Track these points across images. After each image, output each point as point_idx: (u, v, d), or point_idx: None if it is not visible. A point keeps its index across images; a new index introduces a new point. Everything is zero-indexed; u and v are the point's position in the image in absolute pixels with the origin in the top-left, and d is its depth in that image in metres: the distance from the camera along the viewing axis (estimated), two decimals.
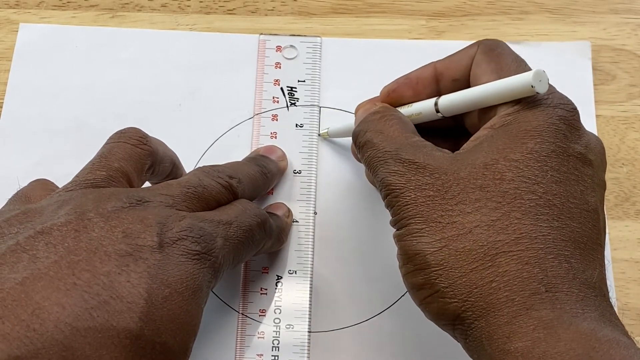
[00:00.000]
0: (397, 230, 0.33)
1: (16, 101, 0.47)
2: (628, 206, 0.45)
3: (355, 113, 0.42)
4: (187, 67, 0.48)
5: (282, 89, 0.47)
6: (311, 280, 0.43)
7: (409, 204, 0.33)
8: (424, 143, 0.35)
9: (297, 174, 0.45)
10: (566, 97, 0.34)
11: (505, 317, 0.29)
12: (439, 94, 0.38)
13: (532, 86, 0.32)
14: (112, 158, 0.34)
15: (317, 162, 0.46)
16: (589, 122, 0.47)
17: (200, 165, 0.44)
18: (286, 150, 0.45)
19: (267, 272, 0.43)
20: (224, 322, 0.42)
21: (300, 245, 0.44)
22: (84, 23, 0.50)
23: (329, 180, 0.46)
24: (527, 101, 0.33)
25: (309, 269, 0.43)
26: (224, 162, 0.40)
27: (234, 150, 0.46)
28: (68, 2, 0.51)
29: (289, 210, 0.44)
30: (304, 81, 0.48)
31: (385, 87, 0.40)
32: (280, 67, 0.48)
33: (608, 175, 0.46)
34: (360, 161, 0.41)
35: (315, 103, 0.47)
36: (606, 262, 0.43)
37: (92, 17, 0.50)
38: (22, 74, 0.48)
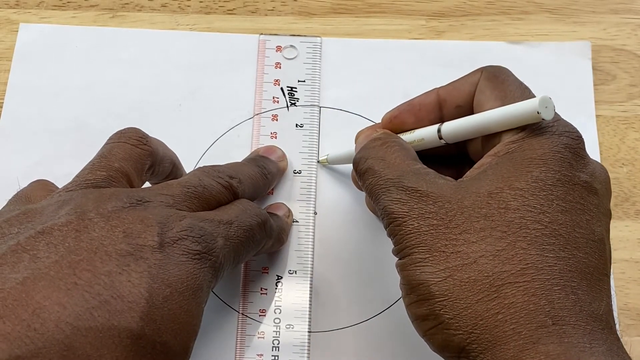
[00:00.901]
0: (400, 259, 0.33)
1: (16, 101, 0.47)
2: (628, 206, 0.45)
3: (356, 140, 0.41)
4: (187, 67, 0.48)
5: (282, 89, 0.47)
6: (311, 280, 0.43)
7: (412, 233, 0.32)
8: (426, 170, 0.34)
9: (297, 174, 0.45)
10: (571, 125, 0.33)
11: (512, 351, 0.29)
12: (441, 120, 0.37)
13: (538, 112, 0.31)
14: (112, 158, 0.34)
15: (317, 162, 0.46)
16: (589, 122, 0.47)
17: (200, 165, 0.44)
18: (286, 150, 0.45)
19: (267, 272, 0.43)
20: (224, 322, 0.42)
21: (300, 245, 0.44)
22: (84, 23, 0.50)
23: (329, 180, 0.46)
24: (532, 129, 0.33)
25: (309, 269, 0.43)
26: (224, 162, 0.40)
27: (234, 150, 0.46)
28: (68, 2, 0.51)
29: (289, 211, 0.44)
30: (304, 81, 0.48)
31: (387, 113, 0.40)
32: (280, 67, 0.48)
33: None
34: (360, 189, 0.40)
35: (315, 103, 0.47)
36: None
37: (92, 17, 0.50)
38: (22, 74, 0.48)
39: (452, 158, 0.39)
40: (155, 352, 0.28)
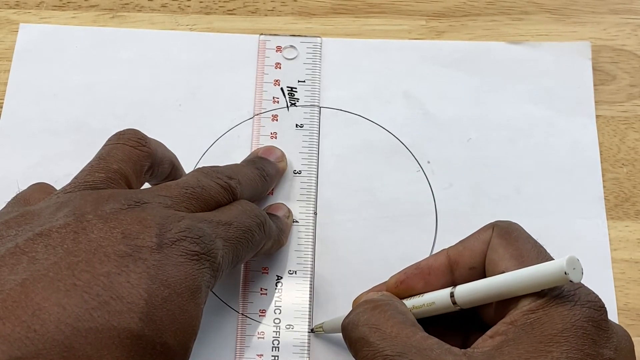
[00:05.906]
0: None
1: (16, 101, 0.47)
2: (628, 206, 0.45)
3: (354, 304, 0.39)
4: (187, 67, 0.48)
5: (282, 89, 0.47)
6: (311, 280, 0.43)
7: None
8: (429, 342, 0.31)
9: (297, 174, 0.45)
10: (593, 293, 0.31)
11: None
12: (453, 283, 0.35)
13: (565, 273, 0.29)
14: (111, 160, 0.34)
15: (317, 162, 0.46)
16: (589, 122, 0.47)
17: (200, 165, 0.44)
18: (286, 150, 0.45)
19: (267, 272, 0.43)
20: (224, 322, 0.42)
21: (300, 245, 0.44)
22: (84, 23, 0.50)
23: (329, 180, 0.46)
24: (552, 296, 0.30)
25: (309, 269, 0.43)
26: (224, 163, 0.40)
27: (234, 150, 0.46)
28: (68, 2, 0.51)
29: (289, 211, 0.44)
30: (304, 81, 0.48)
31: (393, 277, 0.37)
32: (280, 68, 0.48)
33: (608, 176, 0.46)
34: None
35: (315, 103, 0.47)
36: (606, 262, 0.43)
37: (92, 17, 0.50)
38: (22, 74, 0.48)
39: (457, 319, 0.36)
40: (155, 352, 0.29)
